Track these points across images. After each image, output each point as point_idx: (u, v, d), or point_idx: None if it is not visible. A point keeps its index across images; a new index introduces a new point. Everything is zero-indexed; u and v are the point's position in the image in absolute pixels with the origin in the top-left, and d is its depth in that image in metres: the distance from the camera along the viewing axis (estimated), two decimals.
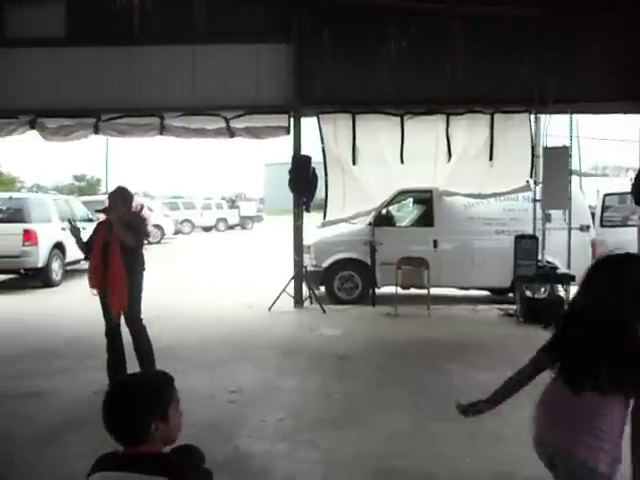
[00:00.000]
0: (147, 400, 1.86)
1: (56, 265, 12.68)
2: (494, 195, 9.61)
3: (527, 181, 9.35)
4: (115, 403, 1.85)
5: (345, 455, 4.16)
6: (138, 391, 1.88)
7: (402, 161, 9.42)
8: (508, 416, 4.83)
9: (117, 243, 5.39)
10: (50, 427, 4.68)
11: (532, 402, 5.18)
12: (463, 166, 9.44)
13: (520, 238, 8.80)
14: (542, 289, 9.55)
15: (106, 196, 6.61)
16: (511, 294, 9.62)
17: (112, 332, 5.62)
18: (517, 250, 8.72)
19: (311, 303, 9.62)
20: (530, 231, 9.13)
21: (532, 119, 9.41)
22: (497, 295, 10.34)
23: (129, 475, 1.76)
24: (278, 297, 9.39)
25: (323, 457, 4.13)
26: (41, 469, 3.89)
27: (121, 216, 5.42)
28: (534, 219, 9.18)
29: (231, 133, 9.61)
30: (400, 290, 9.29)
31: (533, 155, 9.30)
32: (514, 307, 8.85)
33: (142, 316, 5.67)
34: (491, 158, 9.37)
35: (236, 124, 9.58)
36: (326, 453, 4.19)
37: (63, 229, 12.91)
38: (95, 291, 5.58)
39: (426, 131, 9.40)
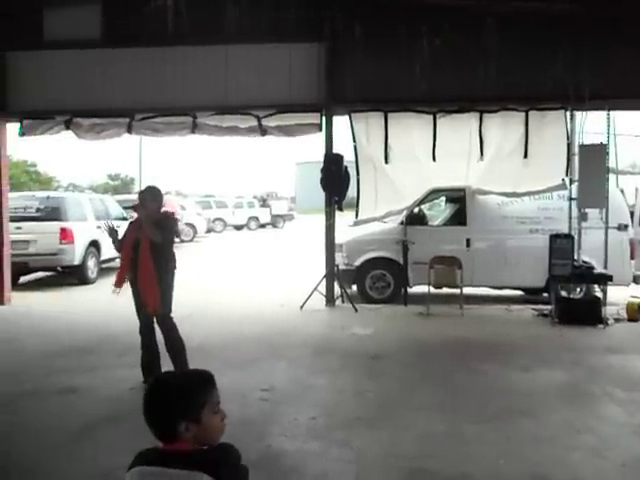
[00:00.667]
0: (174, 400, 1.85)
1: (91, 263, 12.90)
2: (529, 193, 9.47)
3: (563, 179, 9.19)
4: (148, 400, 1.87)
5: (377, 455, 4.13)
6: (167, 390, 1.88)
7: (434, 159, 9.33)
8: (545, 418, 4.80)
9: (147, 241, 5.42)
10: (85, 423, 4.75)
11: (568, 405, 5.14)
12: (497, 164, 9.32)
13: (555, 237, 8.65)
14: (578, 289, 9.38)
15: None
16: (546, 294, 9.47)
17: (146, 330, 5.67)
18: (552, 249, 8.57)
19: (343, 302, 9.60)
20: (565, 230, 8.96)
21: (568, 116, 9.22)
22: (531, 295, 10.19)
23: (164, 470, 1.77)
24: (310, 296, 9.40)
25: (355, 456, 4.11)
26: (77, 464, 3.95)
27: (150, 214, 5.47)
28: (570, 218, 9.02)
29: (263, 131, 9.64)
30: (432, 289, 9.22)
31: (569, 153, 9.12)
32: (549, 307, 8.71)
33: (174, 315, 5.68)
34: (526, 156, 9.21)
35: (268, 122, 9.60)
36: (358, 452, 4.17)
37: (98, 227, 13.14)
38: (118, 290, 5.62)
39: (459, 129, 9.30)
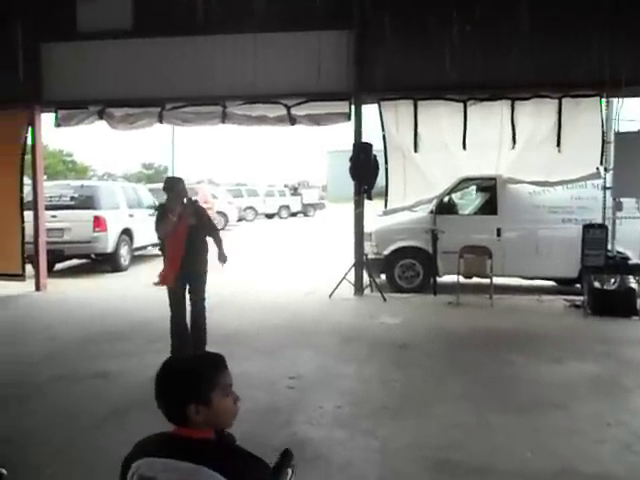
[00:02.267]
0: (183, 382, 1.84)
1: (124, 250, 13.12)
2: (562, 183, 9.28)
3: (597, 168, 8.97)
4: (158, 382, 1.87)
5: (403, 445, 4.13)
6: (176, 372, 1.87)
7: (465, 148, 9.21)
8: (575, 411, 4.73)
9: (184, 230, 5.81)
10: (116, 407, 4.86)
11: (600, 398, 5.06)
12: (529, 153, 9.14)
13: (588, 227, 8.49)
14: (612, 280, 9.19)
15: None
16: (578, 285, 9.31)
17: (177, 301, 6.04)
18: (585, 239, 8.41)
19: (372, 291, 9.58)
20: (599, 220, 8.78)
21: (603, 103, 9.00)
22: (563, 286, 10.03)
23: (175, 463, 1.75)
24: (339, 284, 9.40)
25: (380, 446, 4.11)
26: (107, 447, 4.02)
27: (174, 204, 5.88)
28: (604, 207, 8.82)
29: (292, 120, 9.64)
30: (462, 279, 9.14)
31: (604, 141, 8.91)
32: (581, 298, 8.56)
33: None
34: (559, 144, 9.02)
35: (297, 111, 9.59)
36: (384, 442, 4.17)
37: (131, 216, 13.37)
38: (160, 283, 6.05)
39: (490, 117, 9.14)
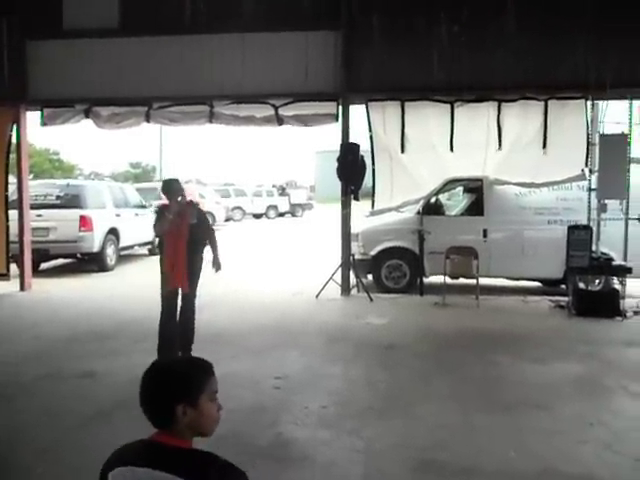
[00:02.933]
0: (173, 382, 1.83)
1: (110, 250, 13.05)
2: (547, 184, 9.35)
3: (582, 170, 9.06)
4: (145, 382, 1.84)
5: (387, 445, 4.15)
6: (167, 371, 1.87)
7: (452, 149, 9.27)
8: (558, 411, 4.78)
9: (186, 230, 5.92)
10: (103, 407, 4.84)
11: (584, 398, 5.11)
12: (515, 154, 9.22)
13: (573, 228, 8.56)
14: (596, 281, 9.28)
15: (159, 184, 7.07)
16: (563, 285, 9.39)
17: (169, 308, 6.08)
18: (570, 240, 8.49)
19: (358, 291, 9.61)
20: (584, 221, 8.86)
21: (588, 105, 9.09)
22: (548, 286, 10.11)
23: (151, 472, 1.72)
24: (325, 285, 9.42)
25: (365, 446, 4.13)
26: (94, 447, 3.99)
27: (172, 204, 5.98)
28: (589, 209, 8.91)
29: (280, 120, 9.64)
30: (449, 280, 9.19)
31: (589, 143, 9.00)
32: (566, 299, 8.64)
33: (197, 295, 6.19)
34: (544, 146, 9.10)
35: (285, 112, 9.60)
36: (368, 442, 4.19)
37: (117, 215, 13.30)
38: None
39: (477, 118, 9.21)
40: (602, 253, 8.85)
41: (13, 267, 10.24)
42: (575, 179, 9.17)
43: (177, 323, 6.18)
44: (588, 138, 8.99)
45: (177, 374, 1.85)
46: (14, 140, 10.12)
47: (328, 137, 15.10)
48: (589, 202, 8.90)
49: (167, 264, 6.05)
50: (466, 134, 9.22)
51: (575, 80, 8.79)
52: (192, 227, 5.98)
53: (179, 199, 6.04)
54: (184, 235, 5.94)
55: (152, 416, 1.84)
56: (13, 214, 10.06)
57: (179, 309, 6.16)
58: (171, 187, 6.11)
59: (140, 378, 1.87)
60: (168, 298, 6.11)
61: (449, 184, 10.14)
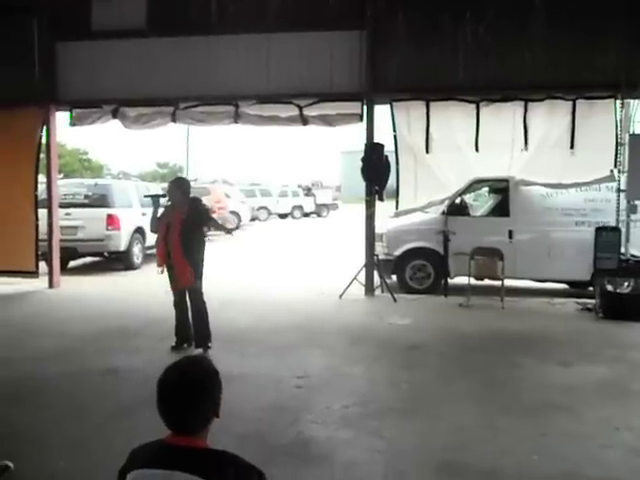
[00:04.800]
0: (211, 391, 1.87)
1: (137, 249, 13.21)
2: (575, 185, 9.21)
3: (611, 170, 8.91)
4: (183, 387, 1.83)
5: (409, 446, 4.13)
6: (203, 381, 1.88)
7: (477, 149, 9.18)
8: (582, 415, 4.70)
9: (178, 224, 6.14)
10: (125, 403, 4.90)
11: (610, 402, 5.02)
12: (541, 155, 9.09)
13: (601, 230, 8.43)
14: (625, 284, 9.10)
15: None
16: (590, 288, 9.24)
17: (178, 303, 6.43)
18: (598, 242, 8.36)
19: (382, 292, 9.57)
20: (613, 223, 8.71)
21: (618, 104, 8.93)
22: (575, 289, 9.96)
23: (172, 474, 1.74)
24: (349, 285, 9.40)
25: (386, 447, 4.11)
26: (115, 442, 4.06)
27: (177, 201, 6.30)
28: (617, 210, 8.75)
29: (304, 120, 9.66)
30: (473, 281, 9.10)
31: (618, 143, 8.84)
32: (593, 301, 8.50)
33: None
34: (572, 146, 8.96)
35: (309, 112, 9.61)
36: (389, 443, 4.17)
37: (143, 214, 13.44)
38: (160, 269, 6.43)
39: (502, 118, 9.10)
40: (632, 255, 8.69)
41: (42, 265, 10.40)
42: (604, 180, 9.02)
43: (188, 319, 6.46)
44: (617, 138, 8.83)
45: (216, 385, 1.88)
46: (44, 140, 10.30)
47: (353, 137, 15.10)
48: (618, 203, 8.75)
49: (159, 260, 6.40)
50: (492, 134, 9.12)
51: (604, 79, 8.63)
52: (184, 222, 6.16)
53: (176, 196, 6.29)
54: (176, 231, 6.15)
55: (183, 422, 1.82)
56: (42, 213, 10.23)
57: (190, 307, 6.43)
58: (170, 185, 6.45)
59: (165, 381, 1.86)
60: (175, 295, 6.45)
61: (474, 184, 10.05)
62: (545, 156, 9.08)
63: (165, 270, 6.40)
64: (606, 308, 8.16)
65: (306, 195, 35.92)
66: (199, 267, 6.31)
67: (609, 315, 8.05)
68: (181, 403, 1.82)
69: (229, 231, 6.77)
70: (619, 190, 8.77)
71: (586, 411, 4.80)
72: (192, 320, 6.42)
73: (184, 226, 6.15)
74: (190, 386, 1.83)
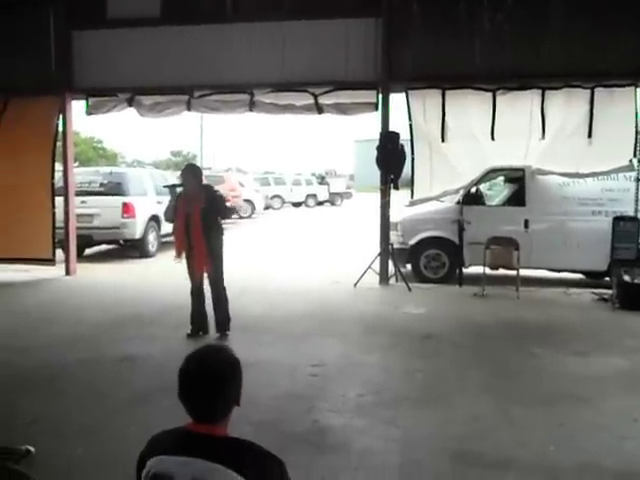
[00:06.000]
0: (234, 379, 1.88)
1: (152, 237, 13.28)
2: (593, 174, 9.10)
3: (630, 160, 8.80)
4: (206, 376, 1.84)
5: (424, 435, 4.13)
6: (227, 369, 1.89)
7: (493, 138, 9.10)
8: (600, 405, 4.68)
9: (198, 214, 6.17)
10: (142, 390, 4.94)
11: (627, 393, 4.99)
12: (559, 144, 8.99)
13: (619, 220, 8.34)
14: None
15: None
16: (607, 278, 9.17)
17: (196, 293, 6.51)
18: (615, 232, 8.28)
19: (397, 281, 9.55)
20: (631, 212, 8.62)
21: (638, 93, 8.80)
22: (592, 279, 9.88)
23: (194, 461, 1.75)
24: (364, 273, 9.40)
25: (401, 435, 4.12)
26: (131, 429, 4.11)
27: (192, 189, 6.27)
28: (636, 200, 8.66)
29: (319, 109, 9.63)
30: (488, 270, 9.05)
31: (637, 132, 8.73)
32: (610, 292, 8.43)
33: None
34: (590, 135, 8.86)
35: (324, 100, 9.57)
36: (405, 431, 4.18)
37: (159, 202, 13.50)
38: (179, 259, 6.47)
39: (519, 107, 9.00)
40: None
41: (59, 252, 10.49)
42: (622, 169, 8.92)
43: (205, 307, 6.58)
44: (637, 127, 8.72)
45: (238, 374, 1.89)
46: (60, 129, 10.35)
47: (367, 126, 15.06)
48: (637, 193, 8.66)
49: (179, 249, 6.42)
50: (508, 123, 9.02)
51: (624, 67, 8.51)
52: (204, 211, 6.18)
53: (192, 185, 6.28)
54: (197, 220, 6.18)
55: (205, 410, 1.84)
56: (59, 201, 10.30)
57: (210, 293, 6.52)
58: (184, 173, 6.43)
59: (188, 370, 1.87)
60: (194, 284, 6.49)
61: (490, 174, 9.97)
62: (562, 145, 8.98)
63: (184, 259, 6.46)
64: (623, 298, 8.09)
65: (320, 184, 35.87)
66: (220, 254, 6.42)
67: (626, 305, 7.98)
68: (204, 392, 1.83)
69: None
70: (638, 180, 8.67)
71: (604, 402, 4.77)
72: (212, 306, 6.53)
73: (203, 215, 6.20)
74: (213, 375, 1.84)
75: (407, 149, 9.43)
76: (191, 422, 1.86)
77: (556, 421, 4.36)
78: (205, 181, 6.95)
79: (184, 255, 6.43)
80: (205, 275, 6.48)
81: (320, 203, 34.67)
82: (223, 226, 6.62)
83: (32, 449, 3.65)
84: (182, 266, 6.53)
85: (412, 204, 9.83)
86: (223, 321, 6.52)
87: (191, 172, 6.41)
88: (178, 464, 1.77)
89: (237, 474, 1.72)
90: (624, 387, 5.14)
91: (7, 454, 2.38)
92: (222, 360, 1.91)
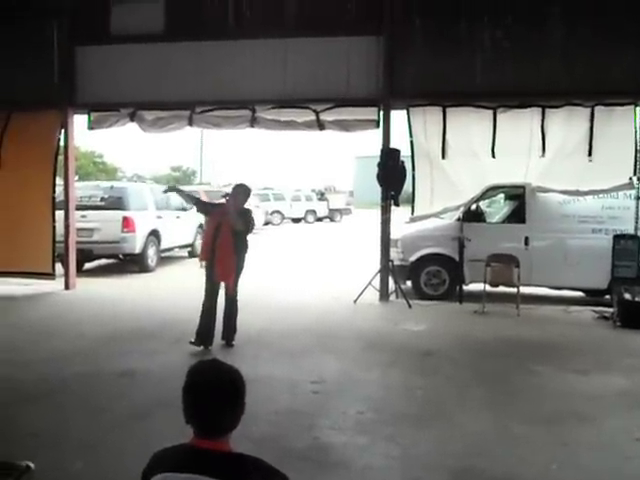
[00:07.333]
0: (242, 393, 1.88)
1: (151, 251, 13.26)
2: (593, 192, 9.13)
3: (630, 178, 8.83)
4: (217, 391, 1.83)
5: (424, 452, 4.11)
6: (239, 387, 1.88)
7: (493, 155, 9.14)
8: (602, 424, 4.65)
9: (228, 227, 6.52)
10: (141, 405, 4.92)
11: (629, 412, 4.96)
12: (559, 162, 9.03)
13: (619, 238, 8.36)
14: None
15: (199, 187, 7.64)
16: (607, 296, 9.16)
17: (211, 296, 6.71)
18: (616, 250, 8.30)
19: (397, 297, 9.54)
20: (631, 230, 8.63)
21: (638, 111, 8.85)
22: (592, 297, 9.87)
23: (187, 477, 1.74)
24: (364, 290, 9.38)
25: (402, 453, 4.09)
26: (130, 444, 4.08)
27: (238, 205, 6.64)
28: (636, 218, 8.68)
29: (321, 126, 9.68)
30: (489, 288, 9.04)
31: (637, 150, 8.77)
32: (610, 310, 8.42)
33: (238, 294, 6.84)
34: (590, 153, 8.90)
35: (326, 117, 9.62)
36: (405, 449, 4.15)
37: (159, 217, 13.53)
38: (203, 264, 6.88)
39: (520, 124, 9.05)
40: None
41: (58, 266, 10.47)
42: (622, 188, 8.94)
43: (215, 324, 6.68)
44: (637, 145, 8.76)
45: (244, 389, 1.89)
46: (62, 143, 10.38)
47: (368, 142, 15.11)
48: (637, 211, 8.68)
49: (204, 254, 6.81)
50: (508, 140, 9.07)
51: (624, 86, 8.57)
52: (235, 230, 6.55)
53: (238, 201, 6.65)
54: (226, 232, 6.51)
55: (214, 426, 1.83)
56: (59, 215, 10.30)
57: (224, 304, 6.75)
58: (237, 188, 6.80)
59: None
60: (211, 289, 6.70)
61: (490, 191, 10.00)
62: (562, 163, 9.02)
63: (205, 265, 6.80)
64: (624, 317, 8.07)
65: (319, 199, 35.92)
66: (241, 268, 6.76)
67: (627, 324, 7.96)
68: (214, 407, 1.82)
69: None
70: (638, 198, 8.70)
71: (606, 421, 4.74)
72: (223, 319, 6.74)
73: (234, 230, 6.55)
74: (224, 390, 1.84)
75: (408, 166, 9.46)
76: (194, 438, 1.84)
77: (558, 439, 4.33)
78: (206, 197, 7.19)
79: (206, 262, 6.77)
80: (223, 286, 6.75)
81: (319, 219, 34.69)
82: (248, 243, 6.90)
83: (32, 465, 3.61)
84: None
85: (412, 221, 9.84)
86: (231, 331, 6.76)
87: (244, 191, 6.78)
88: None
89: None
90: (626, 406, 5.12)
91: (7, 469, 2.35)
92: (230, 375, 1.90)
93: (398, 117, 9.59)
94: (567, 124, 9.02)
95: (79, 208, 11.42)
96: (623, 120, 8.80)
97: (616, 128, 8.82)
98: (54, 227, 10.19)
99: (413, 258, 9.98)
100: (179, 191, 7.57)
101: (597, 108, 8.84)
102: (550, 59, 8.79)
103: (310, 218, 34.18)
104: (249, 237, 6.93)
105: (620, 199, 9.30)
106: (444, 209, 9.62)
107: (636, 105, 8.76)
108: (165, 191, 7.99)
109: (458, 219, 9.74)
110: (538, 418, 4.75)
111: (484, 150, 9.19)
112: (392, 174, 9.38)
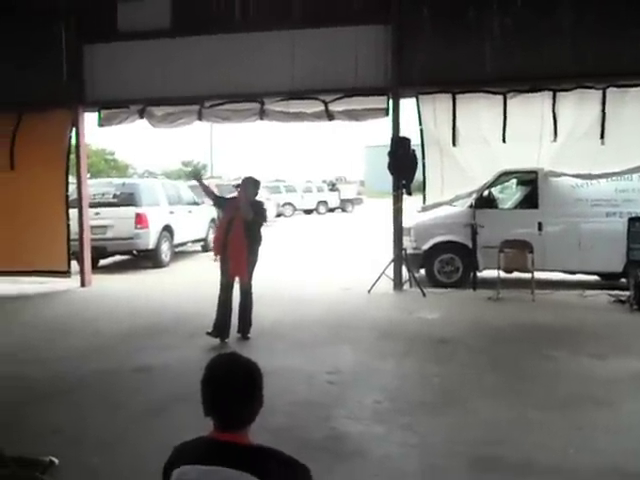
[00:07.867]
0: (260, 386, 1.89)
1: (165, 247, 13.32)
2: (606, 175, 9.05)
3: None
4: (237, 384, 1.84)
5: (441, 440, 4.12)
6: (258, 380, 1.90)
7: (504, 141, 9.08)
8: (619, 408, 4.63)
9: (240, 220, 6.59)
10: (158, 400, 4.96)
11: None
12: (571, 145, 8.95)
13: (634, 220, 8.27)
14: None
15: (211, 180, 7.77)
16: (623, 279, 9.09)
17: (227, 288, 6.80)
18: (631, 233, 8.21)
19: (411, 286, 9.53)
20: None
21: None
22: (607, 280, 9.80)
23: (219, 470, 1.76)
24: (378, 279, 9.38)
25: (419, 441, 4.11)
26: (147, 439, 4.13)
27: (249, 197, 6.69)
28: None
29: (330, 116, 9.66)
30: (503, 274, 9.01)
31: None
32: (626, 293, 8.35)
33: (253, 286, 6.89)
34: (602, 136, 8.81)
35: (335, 107, 9.60)
36: (422, 437, 4.16)
37: (171, 212, 13.59)
38: (216, 258, 7.02)
39: (530, 109, 8.96)
40: None
41: (74, 264, 10.55)
42: (636, 170, 8.85)
43: (231, 316, 6.75)
44: None
45: (261, 381, 1.90)
46: (73, 141, 10.45)
47: (378, 131, 15.07)
48: None
49: (216, 249, 6.96)
50: (519, 126, 9.01)
51: (636, 67, 8.45)
52: (247, 223, 6.59)
53: (249, 194, 6.71)
54: (238, 226, 6.57)
55: (234, 419, 1.84)
56: (73, 213, 10.38)
57: (239, 296, 6.82)
58: (246, 181, 6.87)
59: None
60: (226, 282, 6.77)
61: (502, 177, 9.94)
62: (575, 147, 8.94)
63: (219, 260, 6.88)
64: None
65: (330, 190, 35.89)
66: (255, 263, 6.84)
67: None
68: (234, 399, 1.83)
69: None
70: None
71: (622, 405, 4.73)
72: (238, 312, 6.80)
73: (247, 226, 6.61)
74: (244, 382, 1.86)
75: (418, 154, 9.42)
76: (213, 431, 1.86)
77: (575, 424, 4.33)
78: (217, 190, 7.25)
79: (220, 257, 6.85)
80: (237, 280, 6.80)
81: (331, 210, 34.67)
82: (262, 235, 6.97)
83: (56, 460, 3.66)
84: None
85: (424, 209, 9.81)
86: (247, 324, 6.81)
87: (253, 184, 6.85)
88: (204, 473, 1.77)
89: None
90: None
91: (34, 465, 2.41)
92: (248, 367, 1.92)
93: (408, 105, 9.56)
94: (579, 107, 8.92)
95: (92, 206, 11.50)
96: (636, 102, 8.69)
97: (629, 110, 8.73)
98: (68, 225, 10.27)
99: (426, 246, 9.96)
100: (200, 181, 7.69)
101: (609, 90, 8.74)
102: (559, 42, 8.67)
103: (322, 209, 34.18)
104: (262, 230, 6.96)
105: (634, 181, 9.22)
106: (456, 197, 9.58)
107: None
108: (192, 175, 8.15)
109: (470, 206, 9.70)
110: (555, 403, 4.74)
111: (495, 136, 9.12)
112: (403, 163, 9.35)
